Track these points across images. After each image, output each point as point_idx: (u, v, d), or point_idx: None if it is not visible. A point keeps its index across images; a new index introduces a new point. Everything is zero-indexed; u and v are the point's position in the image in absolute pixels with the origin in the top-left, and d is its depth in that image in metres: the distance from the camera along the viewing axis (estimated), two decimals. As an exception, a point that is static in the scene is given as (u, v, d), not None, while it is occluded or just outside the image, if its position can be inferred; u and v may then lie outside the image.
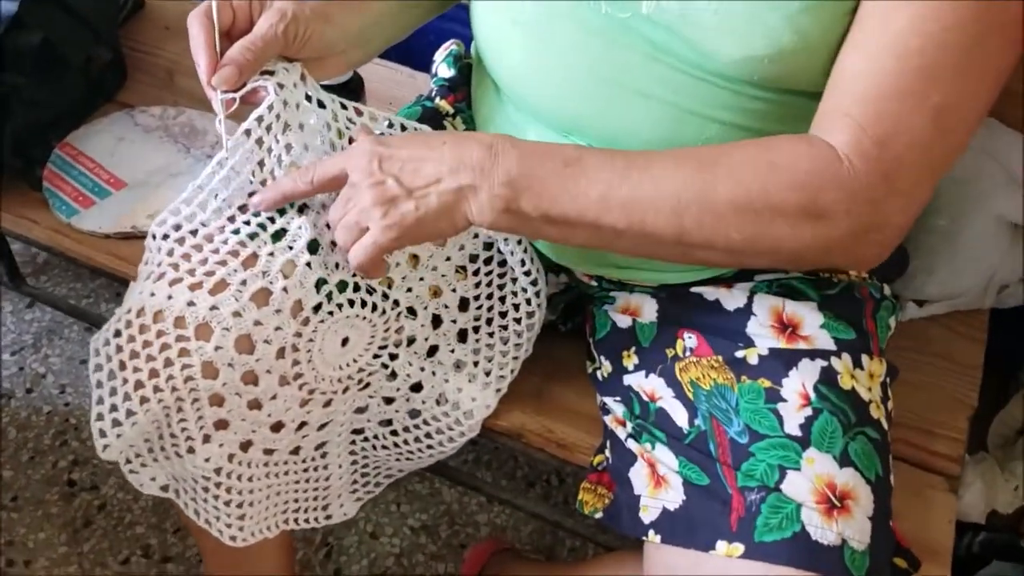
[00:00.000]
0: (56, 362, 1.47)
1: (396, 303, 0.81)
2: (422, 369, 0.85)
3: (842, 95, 0.62)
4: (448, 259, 0.82)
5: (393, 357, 0.83)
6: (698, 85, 0.68)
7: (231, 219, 0.75)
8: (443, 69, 0.94)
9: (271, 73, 0.72)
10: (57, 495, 1.32)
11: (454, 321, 0.84)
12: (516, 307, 0.85)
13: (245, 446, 0.80)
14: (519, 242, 0.81)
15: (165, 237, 0.76)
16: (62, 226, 1.04)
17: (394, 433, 0.89)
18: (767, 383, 0.72)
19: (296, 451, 0.84)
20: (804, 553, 0.65)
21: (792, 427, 0.70)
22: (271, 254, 0.74)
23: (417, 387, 0.85)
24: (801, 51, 0.64)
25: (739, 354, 0.74)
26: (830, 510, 0.66)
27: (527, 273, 0.83)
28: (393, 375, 0.84)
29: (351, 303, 0.78)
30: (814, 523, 0.66)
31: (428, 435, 0.88)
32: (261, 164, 0.74)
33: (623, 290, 0.83)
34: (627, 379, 0.81)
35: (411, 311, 0.82)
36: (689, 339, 0.77)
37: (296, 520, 0.91)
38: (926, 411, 0.94)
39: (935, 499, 0.87)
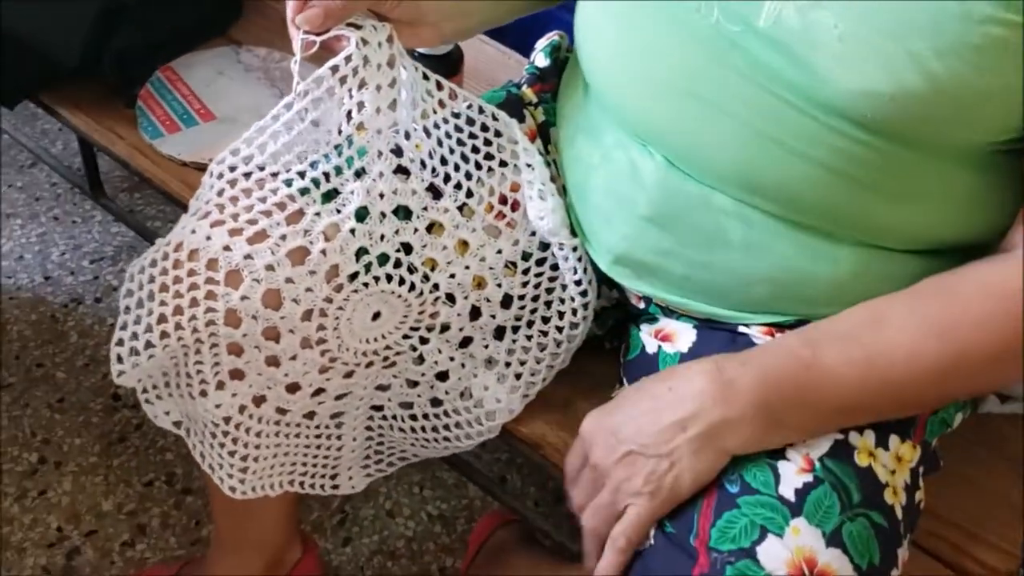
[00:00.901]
0: (129, 278, 1.51)
1: (436, 287, 0.78)
2: (451, 359, 0.82)
3: None
4: (499, 252, 0.79)
5: (424, 341, 0.81)
6: (793, 115, 0.63)
7: (286, 168, 0.73)
8: (540, 58, 0.92)
9: (359, 28, 0.70)
10: (100, 406, 1.35)
11: (493, 316, 0.81)
12: (560, 315, 0.82)
13: (258, 400, 0.78)
14: (575, 249, 0.78)
15: (220, 176, 0.75)
16: (144, 146, 1.06)
17: (413, 418, 0.86)
18: None
19: (310, 416, 0.83)
20: None
21: (787, 490, 0.64)
22: (317, 214, 0.72)
23: (443, 376, 0.83)
24: (928, 96, 0.58)
25: None
26: None
27: (578, 283, 0.79)
28: (421, 359, 0.82)
29: (389, 278, 0.75)
30: None
31: (447, 427, 0.85)
32: (327, 114, 0.72)
33: (669, 315, 0.79)
34: None
35: (450, 298, 0.79)
36: None
37: (302, 484, 0.90)
38: (980, 514, 0.86)
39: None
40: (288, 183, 0.73)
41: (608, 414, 0.69)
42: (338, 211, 0.73)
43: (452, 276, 0.78)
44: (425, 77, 0.74)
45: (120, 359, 0.76)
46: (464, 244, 0.78)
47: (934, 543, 0.81)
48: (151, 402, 0.82)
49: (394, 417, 0.87)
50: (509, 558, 1.13)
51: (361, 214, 0.73)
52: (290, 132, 0.72)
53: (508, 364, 0.83)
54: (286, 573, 1.07)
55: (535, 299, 0.82)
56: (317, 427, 0.85)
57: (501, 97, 0.86)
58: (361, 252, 0.74)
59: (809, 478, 0.65)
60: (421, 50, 1.02)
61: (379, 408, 0.87)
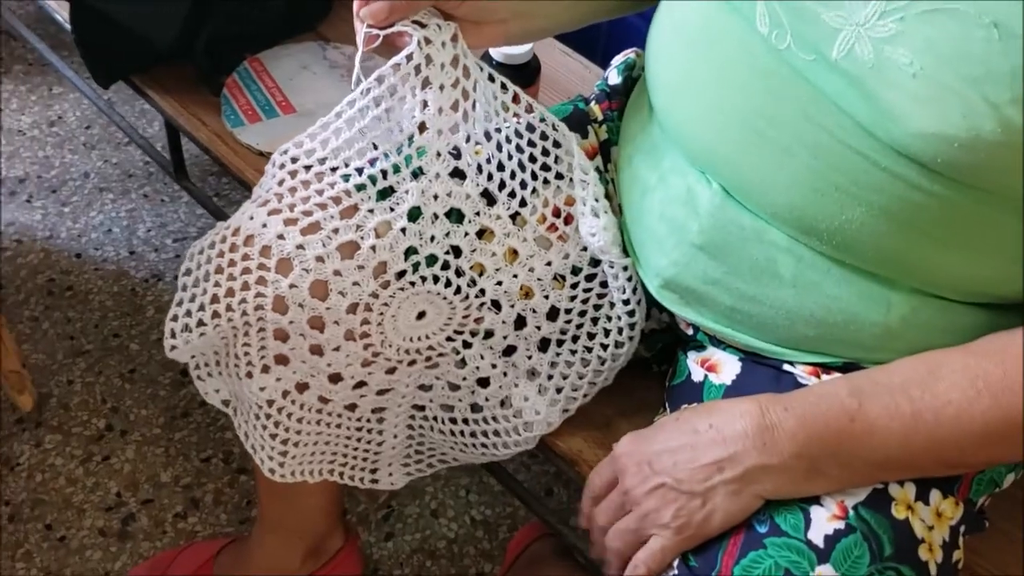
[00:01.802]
0: (208, 259, 1.56)
1: (482, 292, 0.78)
2: (494, 365, 0.82)
3: None
4: (549, 263, 0.79)
5: (467, 345, 0.81)
6: (854, 159, 0.61)
7: (346, 163, 0.75)
8: (612, 75, 0.91)
9: (423, 26, 0.71)
10: (169, 380, 1.39)
11: (539, 327, 0.81)
12: (606, 333, 0.81)
13: (301, 387, 0.80)
14: (625, 268, 0.77)
15: (282, 166, 0.77)
16: (225, 133, 1.09)
17: (453, 421, 0.87)
18: None
19: (352, 408, 0.84)
20: None
21: (816, 535, 0.63)
22: (371, 210, 0.74)
23: (485, 382, 0.83)
24: (1000, 144, 0.56)
25: None
26: None
27: (626, 302, 0.79)
28: (463, 363, 0.82)
29: (436, 279, 0.76)
30: None
31: (485, 433, 0.86)
32: (389, 112, 0.73)
33: (716, 345, 0.78)
34: None
35: (495, 305, 0.79)
36: None
37: (341, 474, 0.91)
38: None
39: None
40: (346, 178, 0.74)
41: (646, 441, 0.69)
42: (391, 209, 0.74)
43: (499, 284, 0.78)
44: (491, 79, 0.74)
45: (173, 334, 0.78)
46: (514, 252, 0.78)
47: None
48: (202, 379, 0.85)
49: (435, 419, 0.88)
50: (544, 570, 1.12)
51: (414, 214, 0.74)
52: (351, 128, 0.73)
53: (550, 377, 0.83)
54: (325, 561, 1.09)
55: (582, 314, 0.81)
56: (359, 420, 0.86)
57: (567, 111, 0.85)
58: (410, 252, 0.75)
59: (841, 525, 0.63)
60: (498, 58, 1.03)
61: (421, 408, 0.88)
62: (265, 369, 0.78)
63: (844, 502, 0.64)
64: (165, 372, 1.40)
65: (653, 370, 0.89)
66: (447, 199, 0.75)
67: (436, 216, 0.75)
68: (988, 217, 0.61)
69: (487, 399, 0.84)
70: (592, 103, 0.88)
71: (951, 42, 0.55)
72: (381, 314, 0.76)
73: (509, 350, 0.82)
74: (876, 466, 0.64)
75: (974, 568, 0.77)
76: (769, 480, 0.64)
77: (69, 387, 1.37)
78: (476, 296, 0.78)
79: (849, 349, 0.69)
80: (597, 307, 0.81)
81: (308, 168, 0.75)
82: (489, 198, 0.77)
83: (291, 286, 0.73)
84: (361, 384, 0.81)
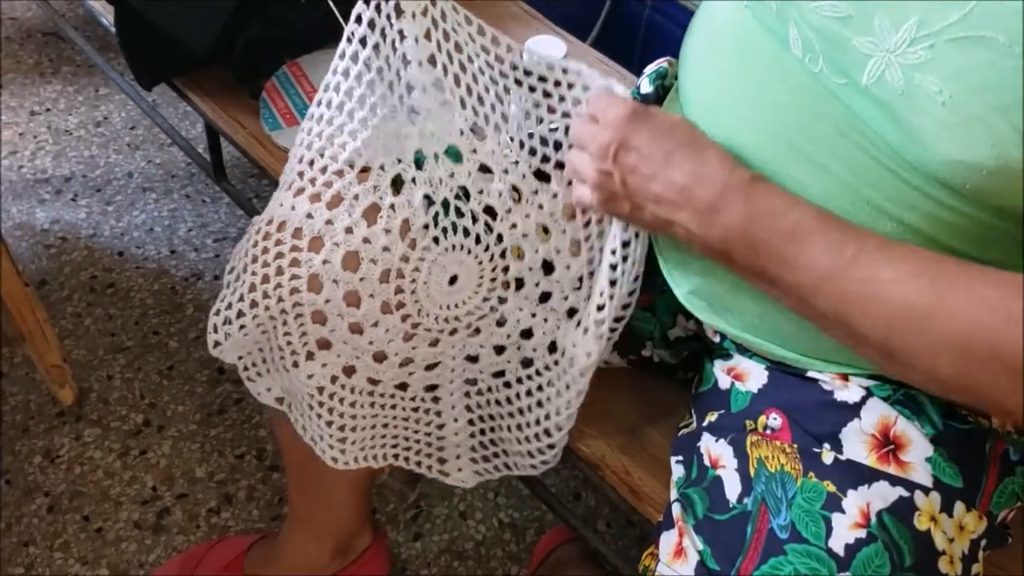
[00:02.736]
0: (247, 259, 1.58)
1: (500, 238, 0.79)
2: (533, 315, 0.82)
3: None
4: (555, 195, 0.79)
5: (502, 300, 0.82)
6: (889, 178, 0.61)
7: (351, 118, 0.76)
8: (644, 83, 0.91)
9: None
10: (206, 378, 1.42)
11: (568, 267, 0.80)
12: (612, 252, 0.78)
13: (348, 371, 0.81)
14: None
15: (301, 143, 0.79)
16: (262, 136, 1.11)
17: (507, 385, 0.86)
18: (832, 487, 0.65)
19: (403, 387, 0.85)
20: None
21: (837, 544, 0.63)
22: (382, 167, 0.76)
23: (528, 333, 0.83)
24: None
25: (816, 449, 0.68)
26: None
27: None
28: (502, 322, 0.83)
29: (455, 228, 0.78)
30: None
31: (539, 387, 0.84)
32: (381, 73, 0.74)
33: (743, 353, 0.78)
34: (702, 438, 0.76)
35: (518, 253, 0.80)
36: (774, 420, 0.71)
37: (407, 459, 0.92)
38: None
39: None
40: (353, 135, 0.76)
41: (634, 126, 0.67)
42: (399, 160, 0.76)
43: (514, 226, 0.79)
44: (481, 31, 0.74)
45: (215, 329, 0.80)
46: (516, 190, 0.79)
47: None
48: (252, 379, 0.87)
49: (488, 389, 0.87)
50: (569, 573, 1.13)
51: (418, 159, 0.76)
52: (352, 99, 0.75)
53: (589, 314, 0.81)
54: (353, 560, 1.10)
55: (600, 235, 0.79)
56: (412, 399, 0.87)
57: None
58: (427, 203, 0.76)
59: (862, 534, 0.63)
60: (529, 67, 1.03)
61: (473, 382, 0.87)
62: (310, 356, 0.79)
63: (868, 507, 0.64)
64: (202, 369, 1.43)
65: (679, 377, 0.89)
66: (444, 136, 0.77)
67: (437, 155, 0.77)
68: (1015, 236, 0.61)
69: (534, 349, 0.83)
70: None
71: (980, 70, 0.54)
72: (413, 281, 0.77)
73: (544, 296, 0.82)
74: (782, 277, 0.62)
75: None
76: (685, 237, 0.66)
77: (109, 382, 1.40)
78: (495, 243, 0.79)
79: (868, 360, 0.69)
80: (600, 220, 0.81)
81: (321, 135, 0.77)
82: (480, 133, 0.78)
83: (324, 262, 0.75)
84: (407, 361, 0.82)
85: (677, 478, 0.76)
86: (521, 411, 0.87)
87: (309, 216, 0.75)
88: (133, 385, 1.40)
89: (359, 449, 0.87)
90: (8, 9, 2.00)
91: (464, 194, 0.78)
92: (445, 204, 0.77)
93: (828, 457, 0.67)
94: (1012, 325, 0.54)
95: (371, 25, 0.73)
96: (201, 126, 1.75)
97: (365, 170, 0.76)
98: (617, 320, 0.80)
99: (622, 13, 1.47)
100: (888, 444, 0.67)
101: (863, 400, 0.70)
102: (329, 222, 0.74)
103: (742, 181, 0.63)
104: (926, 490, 0.66)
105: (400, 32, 0.73)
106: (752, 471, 0.70)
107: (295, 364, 0.80)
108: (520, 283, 0.81)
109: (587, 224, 0.79)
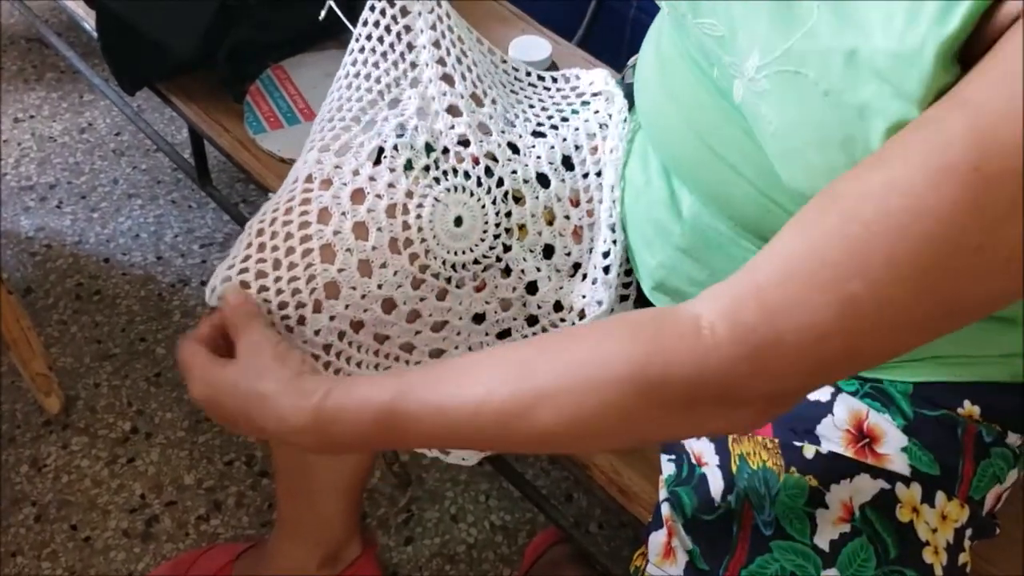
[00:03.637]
0: (234, 265, 1.58)
1: (500, 181, 0.80)
2: (538, 269, 0.82)
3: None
4: (552, 147, 0.83)
5: (507, 248, 0.82)
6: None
7: (367, 78, 0.83)
8: (628, 75, 0.92)
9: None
10: (193, 384, 1.41)
11: (567, 217, 0.82)
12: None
13: (356, 326, 0.79)
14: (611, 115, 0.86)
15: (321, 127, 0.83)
16: (247, 140, 1.10)
17: None
18: (815, 482, 0.66)
19: (409, 349, 0.83)
20: None
21: (822, 540, 0.63)
22: (386, 118, 0.79)
23: (533, 288, 0.83)
24: None
25: (798, 443, 0.68)
26: None
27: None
28: (507, 272, 0.83)
29: (455, 171, 0.79)
30: None
31: None
32: (385, 56, 0.82)
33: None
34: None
35: (518, 199, 0.82)
36: None
37: None
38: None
39: None
40: (360, 99, 0.81)
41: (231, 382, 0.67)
42: (403, 113, 0.80)
43: (514, 172, 0.81)
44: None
45: (213, 289, 0.77)
46: (513, 147, 0.82)
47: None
48: None
49: None
50: (561, 574, 1.12)
51: (421, 113, 0.80)
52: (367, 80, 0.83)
53: (595, 265, 0.83)
54: (342, 570, 1.09)
55: (600, 187, 0.84)
56: (418, 363, 0.85)
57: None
58: (428, 149, 0.79)
59: (846, 528, 0.64)
60: (518, 58, 1.03)
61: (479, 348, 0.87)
62: (317, 307, 0.77)
63: (851, 501, 0.64)
64: (190, 376, 1.41)
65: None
66: (443, 98, 0.81)
67: (438, 112, 0.80)
68: None
69: (539, 306, 0.83)
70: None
71: (797, 106, 0.55)
72: (419, 216, 0.77)
73: (548, 250, 0.82)
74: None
75: (981, 572, 0.76)
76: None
77: (96, 390, 1.39)
78: (496, 186, 0.80)
79: None
80: (599, 173, 0.84)
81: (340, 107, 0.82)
82: (478, 101, 0.83)
83: (333, 196, 0.75)
84: (415, 316, 0.81)
85: (668, 476, 0.76)
86: None
87: (319, 163, 0.77)
88: (120, 392, 1.39)
89: None
90: (-9, 16, 1.99)
91: (464, 143, 0.80)
92: (445, 150, 0.79)
93: (810, 451, 0.68)
94: (607, 369, 0.54)
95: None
96: (186, 131, 1.74)
97: (370, 123, 0.80)
98: (628, 273, 0.84)
99: (607, 13, 1.48)
100: (863, 438, 0.68)
101: (833, 396, 0.71)
102: (338, 167, 0.76)
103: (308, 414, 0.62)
104: (907, 481, 0.66)
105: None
106: (734, 468, 0.70)
107: (301, 320, 0.77)
108: (523, 230, 0.82)
109: (586, 175, 0.83)
